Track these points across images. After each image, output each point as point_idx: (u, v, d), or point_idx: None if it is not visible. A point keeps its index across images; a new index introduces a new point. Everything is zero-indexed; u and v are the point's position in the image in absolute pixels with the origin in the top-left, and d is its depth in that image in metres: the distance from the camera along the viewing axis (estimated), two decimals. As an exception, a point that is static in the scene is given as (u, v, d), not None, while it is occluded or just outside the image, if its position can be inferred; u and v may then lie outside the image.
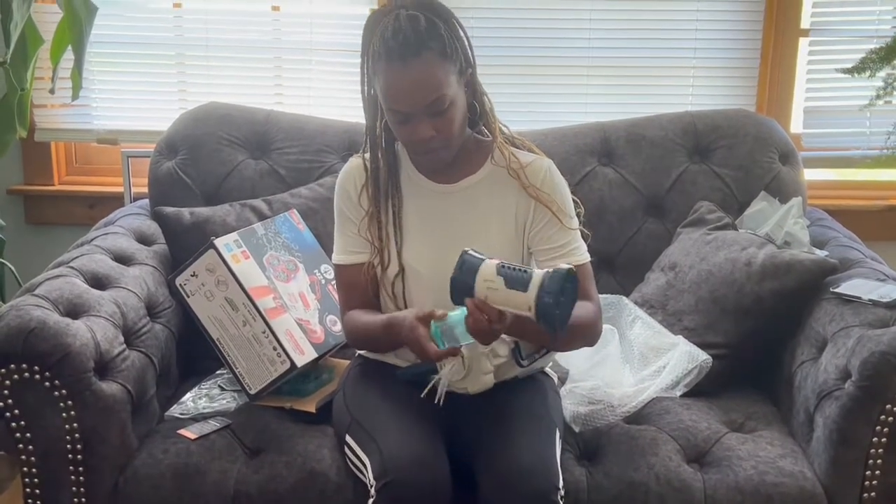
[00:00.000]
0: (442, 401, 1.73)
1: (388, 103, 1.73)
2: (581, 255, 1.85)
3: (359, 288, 1.89)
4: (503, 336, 1.68)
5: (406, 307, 1.84)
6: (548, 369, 2.02)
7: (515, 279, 1.56)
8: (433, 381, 1.74)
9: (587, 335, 1.83)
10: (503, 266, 1.58)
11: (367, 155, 1.87)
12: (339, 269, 1.93)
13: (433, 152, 1.78)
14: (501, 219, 1.85)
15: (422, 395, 1.74)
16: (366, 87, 1.80)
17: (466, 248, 1.62)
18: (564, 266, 1.58)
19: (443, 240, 1.84)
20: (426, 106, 1.70)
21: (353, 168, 1.90)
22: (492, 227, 1.84)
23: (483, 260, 1.60)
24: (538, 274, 1.56)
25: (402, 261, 1.84)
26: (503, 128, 1.89)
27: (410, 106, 1.70)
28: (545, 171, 1.85)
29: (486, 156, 1.87)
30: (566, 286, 1.55)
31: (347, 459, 1.83)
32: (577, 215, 1.88)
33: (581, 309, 1.78)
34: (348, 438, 1.81)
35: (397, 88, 1.70)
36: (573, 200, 1.88)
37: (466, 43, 1.77)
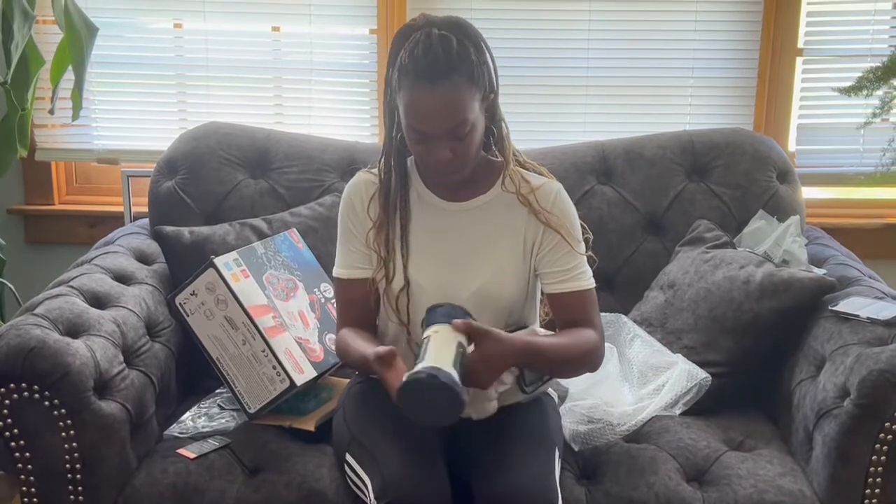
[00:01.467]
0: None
1: (410, 121, 1.71)
2: (586, 280, 1.85)
3: (356, 304, 1.89)
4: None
5: (409, 322, 1.84)
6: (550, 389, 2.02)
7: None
8: None
9: (587, 363, 1.84)
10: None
11: (382, 164, 1.86)
12: (338, 282, 1.93)
13: (446, 174, 1.78)
14: (509, 240, 1.85)
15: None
16: (388, 98, 1.78)
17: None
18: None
19: (449, 257, 1.84)
20: (447, 130, 1.69)
21: (360, 181, 1.90)
22: (500, 248, 1.84)
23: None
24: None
25: (407, 275, 1.83)
26: (516, 152, 1.89)
27: (432, 128, 1.69)
28: (555, 195, 1.85)
29: (497, 177, 1.87)
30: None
31: (347, 478, 1.83)
32: (585, 241, 1.88)
33: (581, 337, 1.80)
34: (348, 457, 1.80)
35: (421, 108, 1.68)
36: (581, 225, 1.88)
37: (492, 68, 1.76)
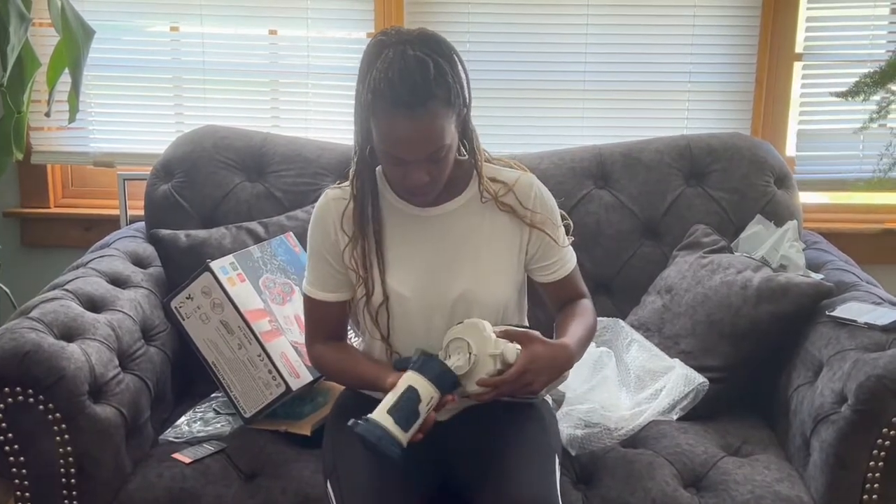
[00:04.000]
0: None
1: (386, 147, 1.67)
2: (570, 258, 1.89)
3: (327, 323, 1.86)
4: (514, 348, 1.69)
5: (389, 335, 1.81)
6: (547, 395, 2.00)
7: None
8: None
9: (595, 328, 1.89)
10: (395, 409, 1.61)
11: (354, 179, 1.79)
12: (307, 300, 1.86)
13: (422, 195, 1.74)
14: (491, 240, 1.82)
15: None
16: (359, 115, 1.71)
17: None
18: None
19: (429, 265, 1.81)
20: (426, 156, 1.66)
21: (329, 200, 1.83)
22: (481, 249, 1.82)
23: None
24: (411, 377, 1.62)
25: (386, 290, 1.79)
26: (483, 151, 1.84)
27: (410, 155, 1.65)
28: (534, 189, 1.83)
29: (468, 177, 1.83)
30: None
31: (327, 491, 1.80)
32: (565, 227, 1.88)
33: (584, 310, 1.86)
34: (329, 485, 1.77)
35: (399, 137, 1.64)
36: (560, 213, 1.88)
37: (465, 82, 1.71)
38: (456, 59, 1.69)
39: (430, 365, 1.63)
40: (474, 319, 1.69)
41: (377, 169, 1.82)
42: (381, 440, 1.55)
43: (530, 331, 1.71)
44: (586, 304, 1.90)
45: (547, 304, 1.94)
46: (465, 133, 1.78)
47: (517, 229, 1.82)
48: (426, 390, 1.61)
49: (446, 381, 1.63)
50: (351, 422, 1.58)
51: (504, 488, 1.68)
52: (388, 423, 1.57)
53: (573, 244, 1.90)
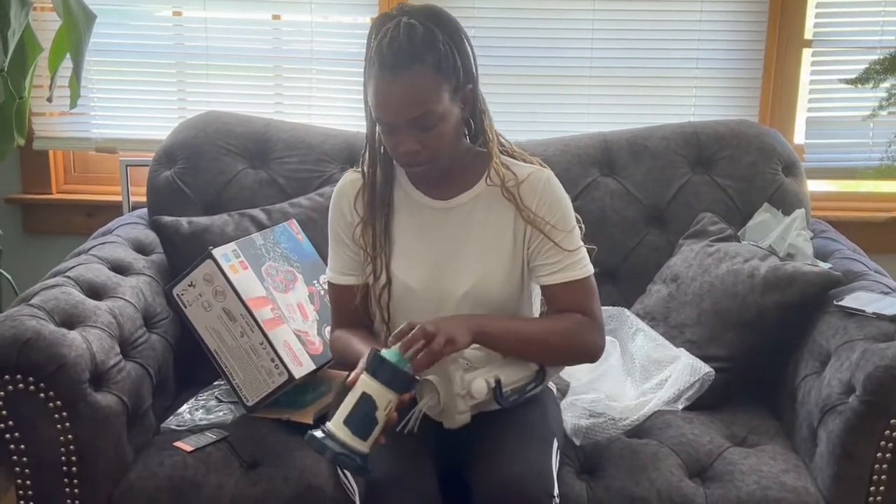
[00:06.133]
0: (416, 429, 1.67)
1: (375, 112, 1.69)
2: (580, 269, 1.79)
3: (349, 308, 1.88)
4: (484, 378, 1.67)
5: (389, 319, 1.81)
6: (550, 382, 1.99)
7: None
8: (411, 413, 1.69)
9: (573, 350, 1.80)
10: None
11: (365, 160, 1.83)
12: (330, 286, 1.92)
13: (415, 166, 1.73)
14: (498, 236, 1.81)
15: (397, 430, 1.65)
16: (365, 94, 1.73)
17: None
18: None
19: (437, 258, 1.81)
20: (411, 120, 1.65)
21: (346, 182, 1.87)
22: (489, 245, 1.80)
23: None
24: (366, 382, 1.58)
25: (389, 273, 1.80)
26: (503, 141, 1.84)
27: (394, 118, 1.66)
28: (543, 184, 1.78)
29: (483, 171, 1.80)
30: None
31: (340, 478, 1.82)
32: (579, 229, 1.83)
33: (564, 321, 1.76)
34: (345, 474, 1.78)
35: (382, 99, 1.65)
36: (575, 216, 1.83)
37: (471, 57, 1.71)
38: (459, 33, 1.69)
39: (383, 369, 1.57)
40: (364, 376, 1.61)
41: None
42: (340, 456, 1.54)
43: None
44: (575, 318, 1.77)
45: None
46: (473, 113, 1.76)
47: (521, 222, 1.79)
48: (382, 396, 1.55)
49: (401, 382, 1.57)
50: (307, 436, 1.56)
51: (497, 466, 1.67)
52: (345, 435, 1.54)
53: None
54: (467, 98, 1.73)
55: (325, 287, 2.20)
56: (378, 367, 1.57)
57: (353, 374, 1.62)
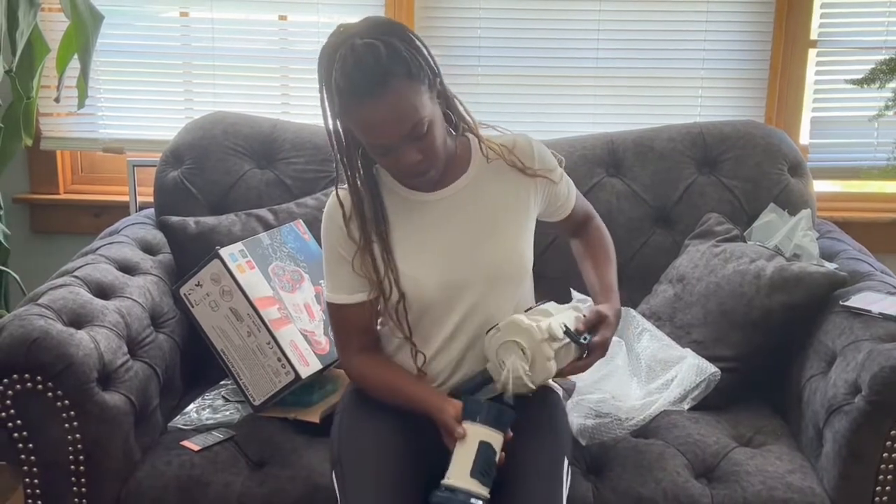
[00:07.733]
0: (512, 400, 1.66)
1: (368, 139, 1.65)
2: (573, 191, 1.96)
3: (357, 329, 1.82)
4: (553, 322, 1.69)
5: (410, 330, 1.78)
6: (552, 382, 1.97)
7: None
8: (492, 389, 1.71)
9: (613, 253, 2.02)
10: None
11: (348, 186, 1.76)
12: (332, 308, 1.82)
13: (422, 175, 1.71)
14: (506, 209, 1.81)
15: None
16: (329, 122, 1.69)
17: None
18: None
19: (448, 248, 1.79)
20: (407, 134, 1.63)
21: (335, 203, 1.78)
22: (500, 220, 1.80)
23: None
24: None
25: (401, 288, 1.76)
26: (470, 118, 1.81)
27: (391, 137, 1.63)
28: (529, 143, 1.85)
29: (468, 155, 1.82)
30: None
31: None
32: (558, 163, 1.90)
33: (599, 234, 2.02)
34: (334, 476, 1.75)
35: (374, 123, 1.62)
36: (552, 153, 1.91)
37: (427, 53, 1.68)
38: (409, 34, 1.67)
39: (489, 411, 1.62)
40: (509, 319, 1.67)
41: (375, 166, 1.79)
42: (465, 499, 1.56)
43: (600, 312, 1.79)
44: (598, 227, 2.02)
45: (559, 234, 2.08)
46: (448, 103, 1.76)
47: (526, 186, 1.83)
48: (496, 438, 1.61)
49: (508, 417, 1.63)
50: (435, 498, 1.56)
51: None
52: (476, 487, 1.57)
53: None
54: (441, 92, 1.72)
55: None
56: (482, 412, 1.62)
57: (455, 430, 1.62)
